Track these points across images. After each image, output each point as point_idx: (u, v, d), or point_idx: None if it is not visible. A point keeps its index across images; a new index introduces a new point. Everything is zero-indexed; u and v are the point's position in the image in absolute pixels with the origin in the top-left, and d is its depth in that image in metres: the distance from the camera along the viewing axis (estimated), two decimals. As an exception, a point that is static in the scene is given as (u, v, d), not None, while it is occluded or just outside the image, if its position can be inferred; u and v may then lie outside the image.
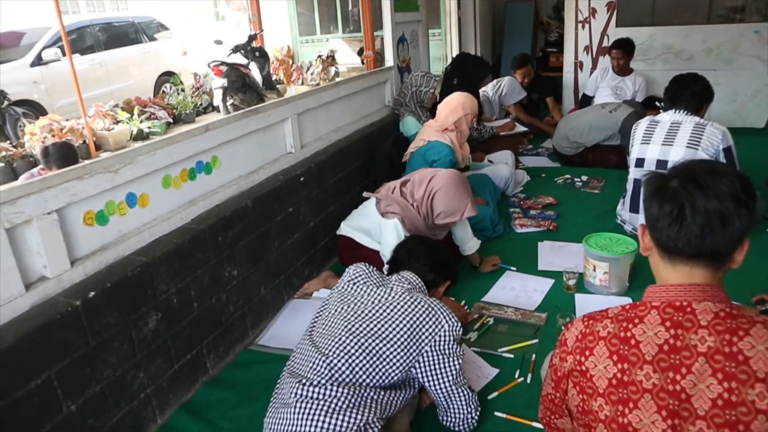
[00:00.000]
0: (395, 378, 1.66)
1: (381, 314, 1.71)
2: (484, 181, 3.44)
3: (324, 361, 1.61)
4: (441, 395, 1.72)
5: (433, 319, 1.71)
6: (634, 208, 3.05)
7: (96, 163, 1.80)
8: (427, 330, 1.70)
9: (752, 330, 0.98)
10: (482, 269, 2.80)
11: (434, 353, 1.69)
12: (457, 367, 1.71)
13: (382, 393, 1.63)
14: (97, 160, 1.83)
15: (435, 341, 1.70)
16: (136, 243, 1.93)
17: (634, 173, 3.07)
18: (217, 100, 6.53)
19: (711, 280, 1.06)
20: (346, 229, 2.73)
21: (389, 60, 4.01)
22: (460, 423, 1.75)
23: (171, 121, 3.10)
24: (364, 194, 2.69)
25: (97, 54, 7.46)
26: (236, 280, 2.29)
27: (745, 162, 4.35)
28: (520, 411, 1.87)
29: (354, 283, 1.85)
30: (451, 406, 1.74)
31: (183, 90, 7.48)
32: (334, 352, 1.63)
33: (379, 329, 1.67)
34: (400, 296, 1.76)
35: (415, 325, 1.69)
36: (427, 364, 1.69)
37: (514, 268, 2.81)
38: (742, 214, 1.02)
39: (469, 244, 2.75)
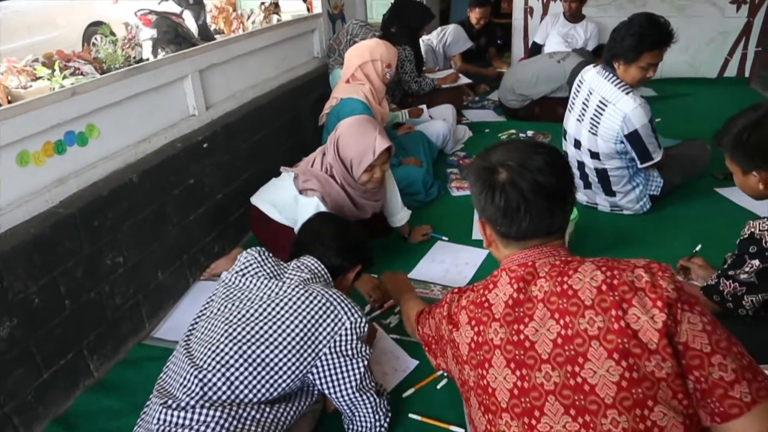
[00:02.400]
0: (287, 389, 1.43)
1: (268, 314, 1.46)
2: (418, 139, 3.17)
3: (196, 376, 1.36)
4: (344, 403, 1.50)
5: (332, 315, 1.47)
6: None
7: None
8: (324, 329, 1.46)
9: (581, 267, 1.02)
10: (411, 240, 2.56)
11: (334, 356, 1.46)
12: (362, 369, 1.48)
13: (268, 409, 1.39)
14: None
15: (335, 342, 1.46)
16: (-24, 237, 1.61)
17: (563, 143, 2.83)
18: (147, 53, 5.99)
19: (551, 243, 1.12)
20: (256, 199, 2.40)
21: (317, 6, 3.61)
22: (367, 432, 1.54)
23: (99, 76, 2.67)
24: (282, 169, 2.36)
25: (12, 1, 6.74)
26: (123, 268, 1.99)
27: (696, 114, 4.23)
28: (438, 411, 1.68)
29: (243, 275, 1.58)
30: (356, 414, 1.52)
31: (114, 42, 6.85)
32: (209, 364, 1.38)
33: (264, 333, 1.42)
34: (293, 290, 1.50)
35: (309, 325, 1.45)
36: (325, 369, 1.46)
37: (446, 238, 2.58)
38: (568, 202, 1.12)
39: (399, 215, 2.50)
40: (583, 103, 2.61)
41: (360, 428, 1.53)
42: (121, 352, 2.02)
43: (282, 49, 3.24)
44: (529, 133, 3.85)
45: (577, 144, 2.66)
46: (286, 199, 2.26)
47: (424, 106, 3.66)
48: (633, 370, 0.91)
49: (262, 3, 5.55)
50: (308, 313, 1.46)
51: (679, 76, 5.09)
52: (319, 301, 1.48)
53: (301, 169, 2.26)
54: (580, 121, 2.63)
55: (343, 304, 1.49)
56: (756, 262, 1.50)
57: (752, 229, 1.53)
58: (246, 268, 1.60)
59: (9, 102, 3.27)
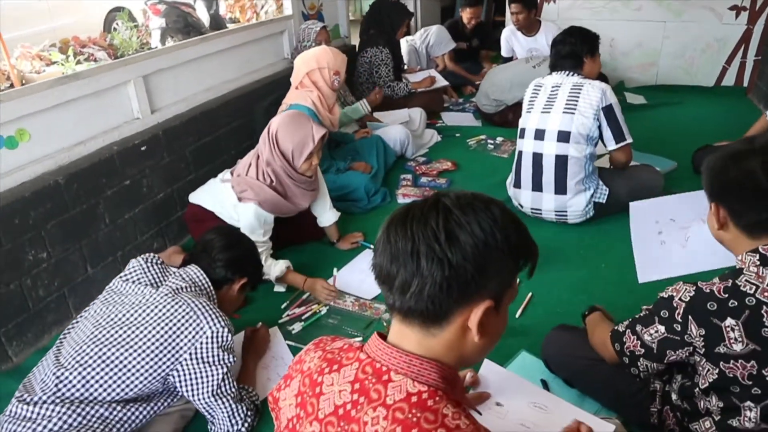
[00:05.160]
0: (144, 390, 1.55)
1: (134, 319, 1.58)
2: (374, 144, 3.23)
3: (54, 374, 1.49)
4: (201, 407, 1.61)
5: (194, 324, 1.58)
6: (517, 183, 2.86)
7: None
8: (186, 336, 1.57)
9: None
10: (339, 246, 2.65)
11: (194, 361, 1.57)
12: (220, 376, 1.59)
13: (119, 408, 1.52)
14: None
15: (195, 348, 1.57)
16: None
17: (518, 144, 2.87)
18: (155, 42, 6.18)
19: (429, 350, 0.85)
20: (195, 196, 2.52)
21: (287, 7, 3.69)
22: (224, 437, 1.65)
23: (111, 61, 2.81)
24: (220, 179, 2.47)
25: (36, -16, 7.01)
26: (46, 263, 2.15)
27: (692, 124, 4.15)
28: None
29: (125, 281, 1.71)
30: (214, 417, 1.63)
31: (135, 27, 7.05)
32: (69, 362, 1.51)
33: (125, 336, 1.54)
34: (162, 297, 1.62)
35: (171, 331, 1.56)
36: (184, 373, 1.58)
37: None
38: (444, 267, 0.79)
39: (326, 215, 2.59)
40: (549, 98, 2.69)
41: (218, 431, 1.64)
42: (44, 340, 2.19)
43: (246, 51, 3.35)
44: (499, 139, 3.86)
45: (540, 135, 2.69)
46: (224, 200, 2.38)
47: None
48: None
49: (275, -9, 5.65)
50: (170, 320, 1.57)
51: (675, 83, 4.97)
52: (183, 310, 1.59)
53: (236, 181, 2.37)
54: (547, 112, 2.68)
55: (207, 314, 1.60)
56: (662, 329, 1.33)
57: (672, 293, 1.32)
58: (129, 273, 1.73)
59: (22, 85, 3.41)
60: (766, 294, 1.19)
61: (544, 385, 1.82)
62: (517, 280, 0.90)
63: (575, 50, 2.68)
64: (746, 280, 1.21)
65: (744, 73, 4.79)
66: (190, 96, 2.91)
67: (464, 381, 1.49)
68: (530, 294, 2.27)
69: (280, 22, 3.61)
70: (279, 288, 2.39)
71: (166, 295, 1.63)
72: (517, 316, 2.17)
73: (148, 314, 1.59)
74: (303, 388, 0.90)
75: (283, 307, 2.29)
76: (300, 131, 2.28)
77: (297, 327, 2.17)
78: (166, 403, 1.63)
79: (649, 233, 2.35)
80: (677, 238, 2.24)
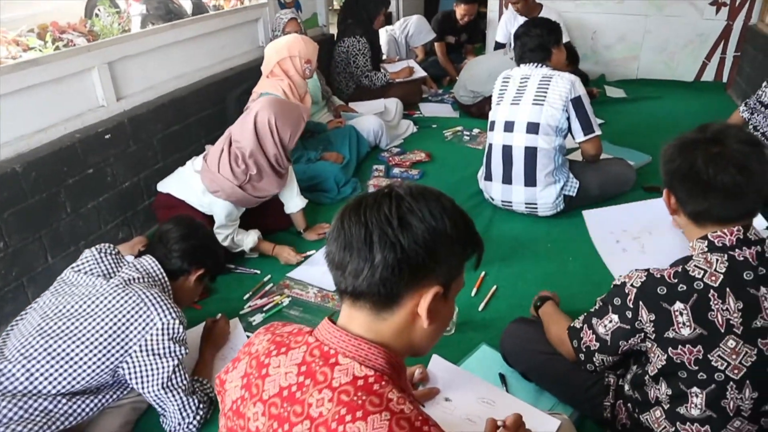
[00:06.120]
0: (92, 382, 1.53)
1: (83, 310, 1.55)
2: (347, 134, 3.21)
3: (-4, 367, 1.47)
4: (151, 399, 1.59)
5: (144, 315, 1.56)
6: (488, 176, 2.86)
7: None
8: (135, 328, 1.55)
9: (370, 417, 0.77)
10: (306, 236, 2.64)
11: (144, 353, 1.55)
12: (170, 368, 1.57)
13: (64, 401, 1.49)
14: None
15: (145, 340, 1.55)
16: None
17: (488, 137, 2.86)
18: (136, 29, 6.10)
19: (378, 334, 0.86)
20: (163, 184, 2.49)
21: (261, -7, 3.65)
22: (175, 430, 1.63)
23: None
24: (190, 165, 2.47)
25: (17, -32, 6.88)
26: (3, 252, 2.11)
27: (670, 118, 4.15)
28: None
29: (77, 271, 1.68)
30: (165, 410, 1.62)
31: (117, 13, 6.92)
32: (13, 355, 1.49)
33: (72, 327, 1.52)
34: (112, 288, 1.59)
35: (120, 323, 1.54)
36: (134, 365, 1.55)
37: (341, 239, 2.64)
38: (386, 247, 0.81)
39: (294, 201, 2.58)
40: (518, 90, 2.69)
41: (170, 424, 1.63)
42: (0, 331, 2.16)
43: (220, 39, 3.30)
44: (475, 131, 3.84)
45: (509, 126, 2.68)
46: (194, 186, 2.38)
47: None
48: None
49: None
50: (119, 311, 1.55)
51: (656, 78, 4.97)
52: (133, 301, 1.57)
53: (208, 177, 2.35)
54: (516, 104, 2.68)
55: (157, 305, 1.58)
56: (615, 318, 1.33)
57: (624, 280, 1.33)
58: (81, 264, 1.70)
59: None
60: (713, 278, 1.21)
61: (502, 379, 1.82)
62: (464, 273, 0.92)
63: (542, 42, 2.67)
64: (695, 266, 1.23)
65: (723, 69, 4.80)
66: (159, 83, 2.86)
67: (413, 377, 1.49)
68: (495, 287, 2.27)
69: (254, 10, 3.56)
70: (252, 255, 2.51)
71: (117, 286, 1.60)
72: (480, 309, 2.16)
73: (97, 305, 1.56)
74: (249, 370, 0.91)
75: (245, 298, 2.27)
76: (293, 115, 2.39)
77: (258, 318, 2.15)
78: (115, 396, 1.61)
79: (608, 241, 2.34)
80: (635, 246, 2.25)
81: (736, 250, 1.23)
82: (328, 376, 0.82)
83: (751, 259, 1.22)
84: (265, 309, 2.20)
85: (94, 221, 2.48)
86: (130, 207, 2.66)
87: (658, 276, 1.25)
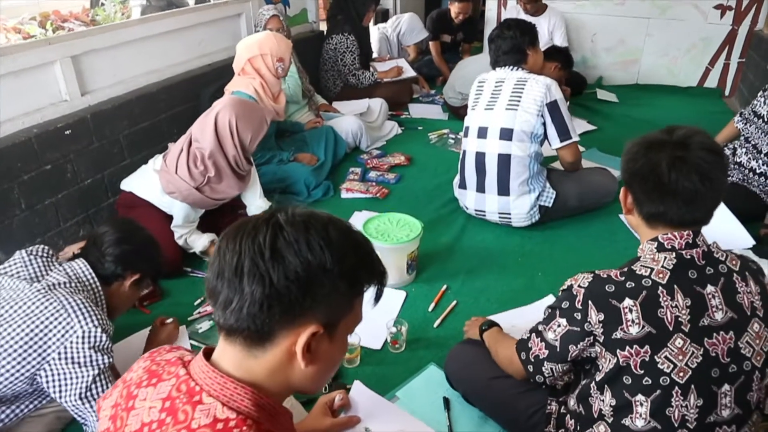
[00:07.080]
0: (7, 390, 1.47)
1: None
2: (321, 135, 3.13)
3: None
4: (70, 409, 1.54)
5: (64, 322, 1.50)
6: (462, 184, 2.77)
7: None
8: (54, 335, 1.49)
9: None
10: (269, 242, 2.57)
11: (62, 362, 1.49)
12: (90, 377, 1.51)
13: (-24, 411, 1.45)
14: None
15: (65, 348, 1.49)
16: None
17: (462, 143, 2.78)
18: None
19: (249, 373, 0.80)
20: (126, 182, 2.45)
21: (244, -13, 3.57)
22: (96, 441, 1.58)
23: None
24: (151, 164, 2.43)
25: (22, -45, 6.90)
26: (-50, 249, 2.08)
27: (654, 126, 3.99)
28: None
29: (2, 274, 1.63)
30: (85, 420, 1.56)
31: (121, 3, 6.91)
32: (-71, 364, 1.44)
33: None
34: (34, 293, 1.53)
35: (38, 330, 1.48)
36: (52, 373, 1.50)
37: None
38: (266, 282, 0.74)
39: (256, 203, 2.53)
40: (492, 94, 2.61)
41: (91, 435, 1.58)
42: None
43: (198, 33, 3.24)
44: (460, 134, 3.72)
45: (483, 133, 2.60)
46: (154, 187, 2.35)
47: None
48: None
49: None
50: (38, 317, 1.49)
51: (657, 83, 4.83)
52: (53, 307, 1.51)
53: (165, 178, 2.32)
54: (490, 109, 2.59)
55: (79, 312, 1.52)
56: (563, 322, 1.27)
57: (571, 282, 1.29)
58: (9, 267, 1.65)
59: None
60: (660, 275, 1.19)
61: (446, 403, 1.74)
62: (360, 308, 0.85)
63: (517, 44, 2.56)
64: (642, 265, 1.23)
65: (727, 76, 4.65)
66: (129, 78, 2.81)
67: (334, 403, 1.42)
68: (454, 302, 2.19)
69: (236, 5, 3.48)
70: (206, 257, 2.45)
71: (38, 291, 1.55)
72: (435, 325, 2.08)
73: (15, 311, 1.51)
74: (119, 400, 0.86)
75: (196, 303, 2.21)
76: (255, 117, 2.35)
77: (205, 326, 2.10)
78: (32, 405, 1.56)
79: None
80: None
81: (685, 250, 1.22)
82: (189, 416, 0.75)
83: (697, 258, 1.20)
84: (213, 317, 2.13)
85: (52, 218, 2.44)
86: (93, 204, 2.62)
87: (605, 276, 1.24)
